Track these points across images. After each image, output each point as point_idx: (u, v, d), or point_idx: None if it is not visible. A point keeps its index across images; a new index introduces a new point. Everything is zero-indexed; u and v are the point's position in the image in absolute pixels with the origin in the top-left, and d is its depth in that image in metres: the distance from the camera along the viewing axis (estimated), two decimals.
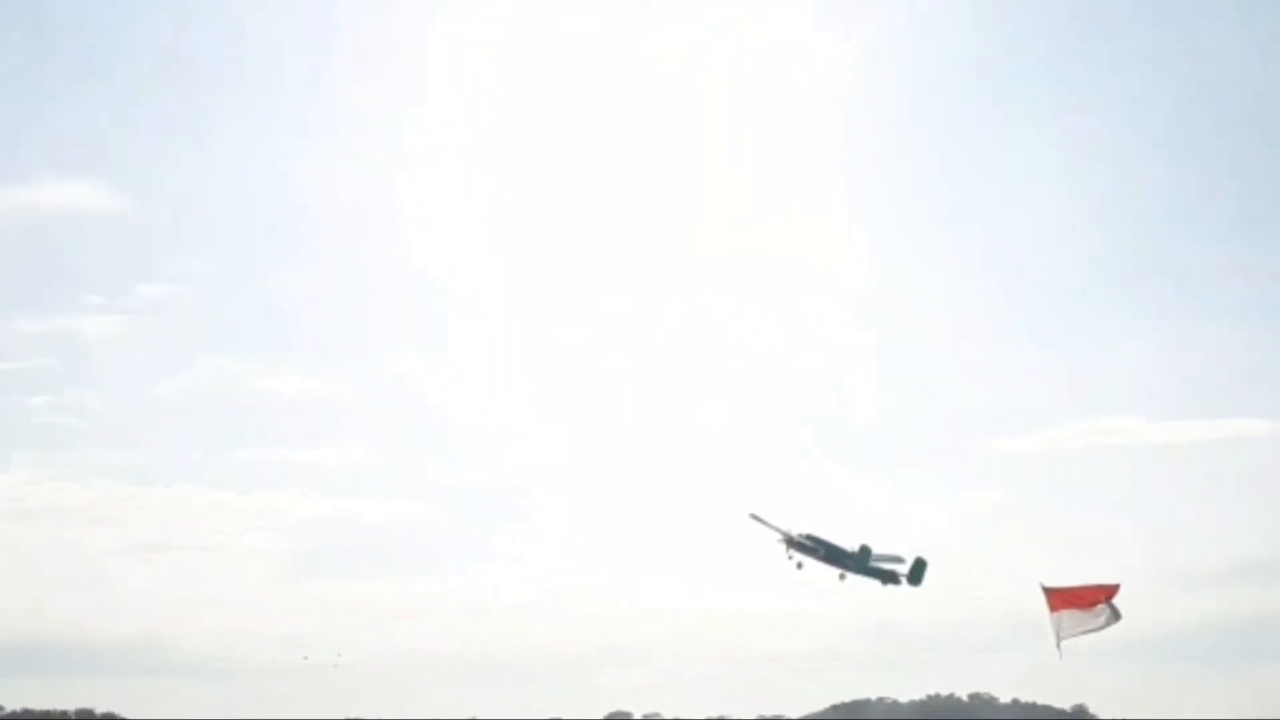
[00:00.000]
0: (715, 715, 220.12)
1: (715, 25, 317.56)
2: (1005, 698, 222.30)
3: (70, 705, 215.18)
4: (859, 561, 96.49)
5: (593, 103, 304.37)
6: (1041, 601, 69.54)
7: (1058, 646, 68.99)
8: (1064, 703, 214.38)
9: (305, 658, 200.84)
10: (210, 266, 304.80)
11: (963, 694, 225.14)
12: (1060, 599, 69.35)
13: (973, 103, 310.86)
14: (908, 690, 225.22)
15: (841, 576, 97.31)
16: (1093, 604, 69.20)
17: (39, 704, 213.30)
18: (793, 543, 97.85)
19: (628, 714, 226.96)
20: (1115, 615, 69.14)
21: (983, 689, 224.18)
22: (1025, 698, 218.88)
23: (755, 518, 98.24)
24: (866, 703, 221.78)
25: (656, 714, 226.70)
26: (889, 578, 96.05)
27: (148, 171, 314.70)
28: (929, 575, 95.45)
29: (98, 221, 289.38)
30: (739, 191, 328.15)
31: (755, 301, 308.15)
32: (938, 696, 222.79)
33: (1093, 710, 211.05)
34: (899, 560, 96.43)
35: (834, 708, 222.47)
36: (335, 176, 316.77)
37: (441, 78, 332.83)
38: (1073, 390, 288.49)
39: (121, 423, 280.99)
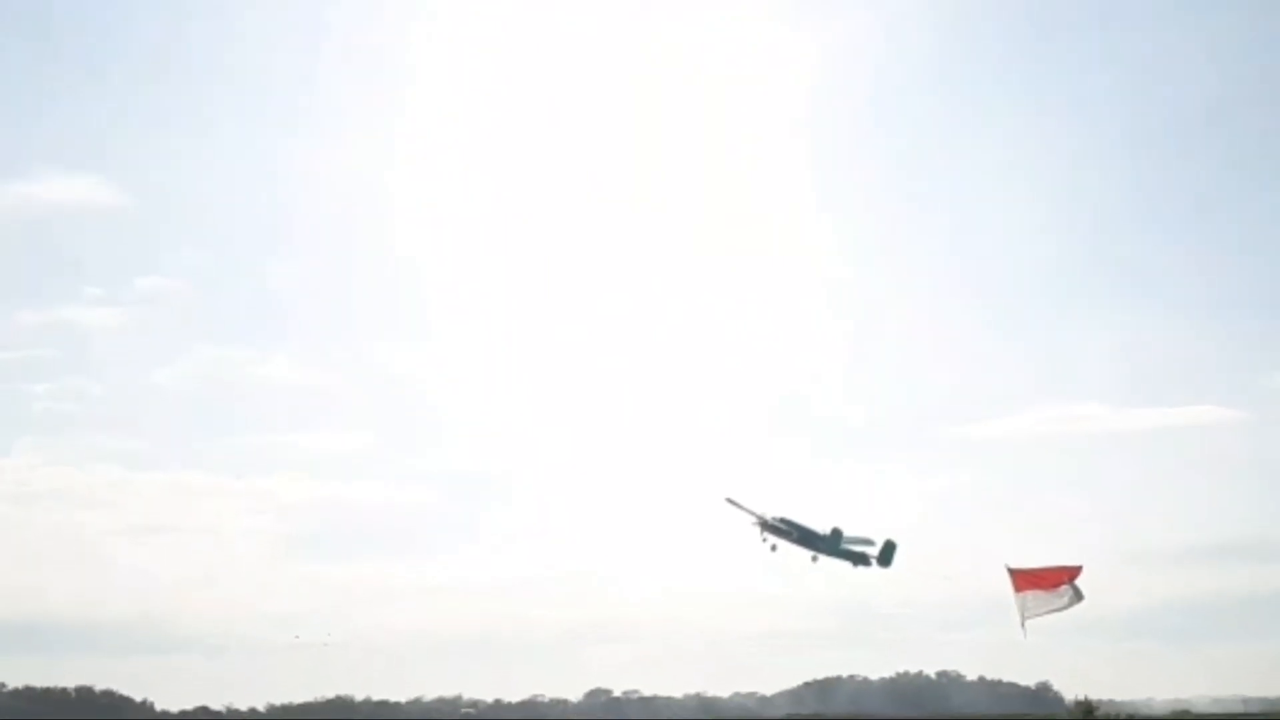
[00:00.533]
0: (693, 692, 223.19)
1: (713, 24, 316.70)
2: (972, 675, 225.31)
3: (70, 683, 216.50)
4: (831, 544, 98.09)
5: (589, 101, 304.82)
6: (1007, 582, 71.00)
7: (1022, 626, 70.45)
8: (1029, 680, 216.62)
9: (297, 636, 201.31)
10: (205, 259, 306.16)
11: (931, 672, 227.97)
12: (1025, 580, 70.65)
13: (938, 102, 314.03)
14: (878, 668, 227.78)
15: (814, 558, 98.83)
16: (1056, 585, 70.58)
17: (39, 681, 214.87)
18: (767, 526, 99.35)
19: (608, 690, 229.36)
20: (1078, 596, 70.63)
21: (950, 667, 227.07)
22: (991, 675, 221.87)
23: (731, 502, 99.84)
24: (838, 680, 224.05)
25: (636, 690, 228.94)
26: (860, 560, 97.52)
27: (145, 168, 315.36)
28: (898, 557, 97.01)
29: (97, 216, 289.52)
30: (726, 187, 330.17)
31: (730, 292, 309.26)
32: (907, 674, 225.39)
33: (1056, 687, 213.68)
34: (869, 543, 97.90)
35: (807, 685, 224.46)
36: (326, 171, 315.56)
37: (437, 76, 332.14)
38: (1036, 379, 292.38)
39: (120, 410, 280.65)
